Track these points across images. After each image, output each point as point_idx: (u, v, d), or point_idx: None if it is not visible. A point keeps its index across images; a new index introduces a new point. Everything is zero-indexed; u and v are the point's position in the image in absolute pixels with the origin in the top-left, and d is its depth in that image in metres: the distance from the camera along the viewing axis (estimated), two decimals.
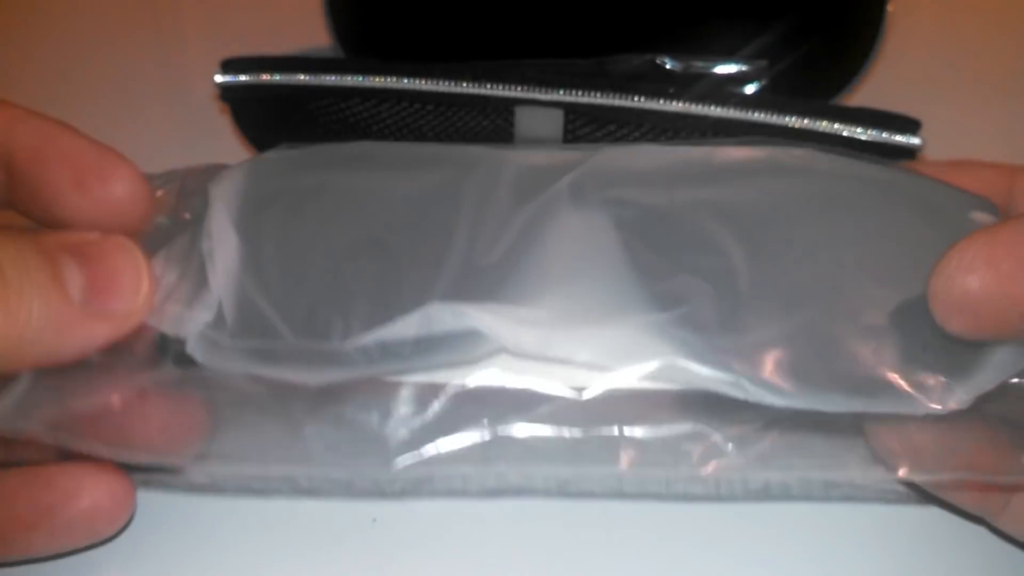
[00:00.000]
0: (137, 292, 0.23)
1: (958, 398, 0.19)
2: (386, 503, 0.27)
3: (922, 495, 0.25)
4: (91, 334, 0.22)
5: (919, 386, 0.19)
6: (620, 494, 0.26)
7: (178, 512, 0.27)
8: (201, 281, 0.24)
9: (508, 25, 0.41)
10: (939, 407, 0.19)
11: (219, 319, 0.23)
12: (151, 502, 0.27)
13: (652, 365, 0.21)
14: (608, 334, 0.21)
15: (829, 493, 0.25)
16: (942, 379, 0.19)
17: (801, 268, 0.22)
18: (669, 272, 0.22)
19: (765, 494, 0.25)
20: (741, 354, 0.20)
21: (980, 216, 0.22)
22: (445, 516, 0.26)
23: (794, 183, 0.24)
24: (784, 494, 0.25)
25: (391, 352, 0.21)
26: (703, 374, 0.20)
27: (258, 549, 0.26)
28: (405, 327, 0.21)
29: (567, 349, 0.21)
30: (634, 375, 0.21)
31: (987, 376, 0.20)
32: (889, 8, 0.37)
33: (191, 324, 0.24)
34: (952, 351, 0.20)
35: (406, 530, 0.26)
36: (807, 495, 0.25)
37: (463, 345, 0.21)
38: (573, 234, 0.23)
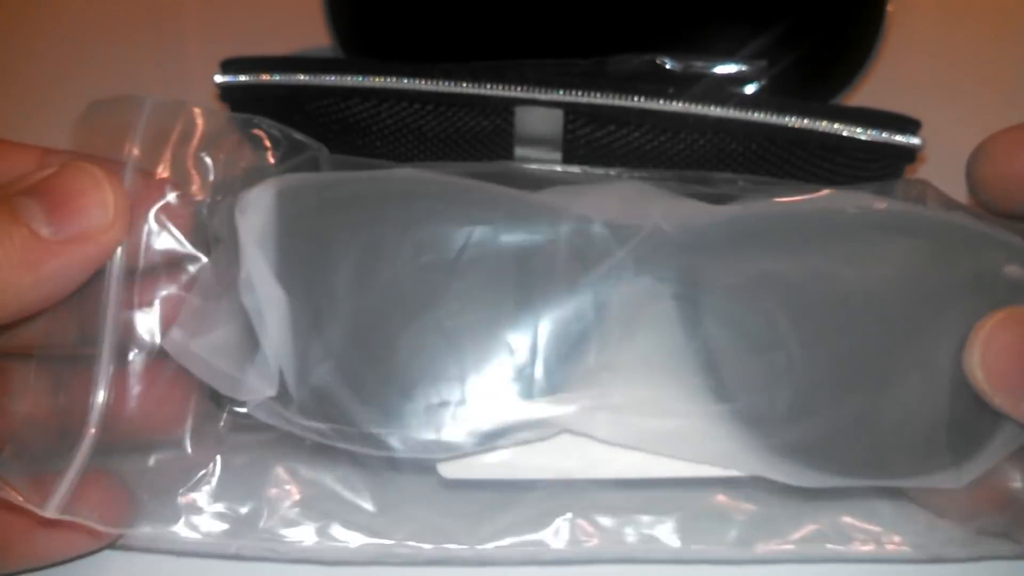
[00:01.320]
0: (104, 206, 0.22)
1: (970, 474, 0.23)
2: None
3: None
4: (71, 260, 0.22)
5: (941, 468, 0.23)
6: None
7: None
8: (248, 338, 0.23)
9: (508, 25, 0.41)
10: (956, 485, 0.23)
11: (284, 394, 0.23)
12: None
13: (705, 465, 0.24)
14: (666, 426, 0.24)
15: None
16: (959, 460, 0.23)
17: (846, 354, 0.24)
18: (724, 359, 0.24)
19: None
20: (790, 448, 0.24)
21: (1012, 270, 0.24)
22: None
23: (848, 250, 0.24)
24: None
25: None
26: (756, 471, 0.24)
27: None
28: (479, 423, 0.23)
29: (629, 439, 0.24)
30: (688, 471, 0.24)
31: (993, 453, 0.24)
32: (889, 8, 0.37)
33: (251, 393, 0.23)
34: (966, 429, 0.23)
35: None
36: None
37: (532, 428, 0.24)
38: (636, 313, 0.24)
